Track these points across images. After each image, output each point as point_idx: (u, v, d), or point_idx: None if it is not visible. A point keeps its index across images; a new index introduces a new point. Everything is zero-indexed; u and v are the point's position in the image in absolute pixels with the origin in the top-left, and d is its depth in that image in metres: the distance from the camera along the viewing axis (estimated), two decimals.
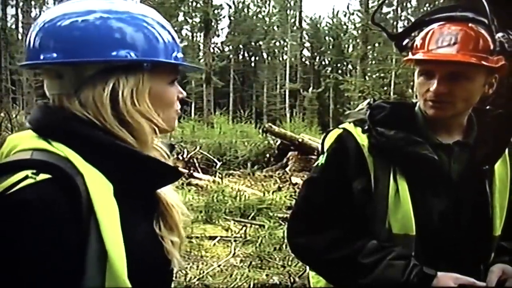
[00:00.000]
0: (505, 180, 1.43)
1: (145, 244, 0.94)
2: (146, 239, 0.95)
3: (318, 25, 50.53)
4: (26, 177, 0.79)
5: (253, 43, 48.68)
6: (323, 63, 50.87)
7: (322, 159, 1.46)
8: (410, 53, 1.40)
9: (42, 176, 0.80)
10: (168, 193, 1.04)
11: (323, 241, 1.39)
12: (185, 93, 1.05)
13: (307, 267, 1.63)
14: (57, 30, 0.90)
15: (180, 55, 1.00)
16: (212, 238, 5.44)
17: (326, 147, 1.47)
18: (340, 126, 1.47)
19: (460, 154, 1.40)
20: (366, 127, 1.40)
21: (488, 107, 1.50)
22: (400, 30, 1.52)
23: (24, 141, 0.88)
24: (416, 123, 1.42)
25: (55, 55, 0.89)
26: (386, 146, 1.36)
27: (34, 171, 0.80)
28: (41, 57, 0.90)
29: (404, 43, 1.44)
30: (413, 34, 1.44)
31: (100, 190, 0.84)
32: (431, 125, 1.41)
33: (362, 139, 1.39)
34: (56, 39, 0.89)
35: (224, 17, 46.91)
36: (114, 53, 0.89)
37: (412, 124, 1.41)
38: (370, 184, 1.36)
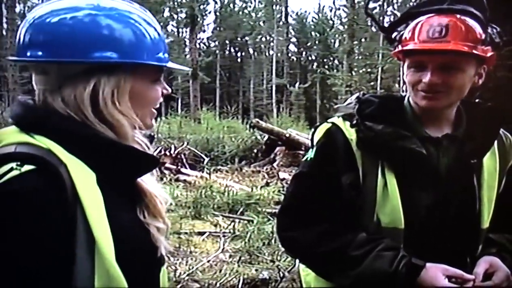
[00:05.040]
0: (494, 173, 1.44)
1: (132, 230, 0.96)
2: (132, 225, 0.97)
3: (304, 20, 50.53)
4: (12, 169, 0.81)
5: (239, 39, 48.50)
6: (310, 58, 50.97)
7: (311, 154, 1.46)
8: (399, 46, 1.39)
9: (27, 167, 0.82)
10: (150, 183, 1.05)
11: (313, 235, 1.39)
12: (169, 89, 1.06)
13: (297, 262, 1.64)
14: (45, 27, 0.90)
15: (165, 55, 1.00)
16: (201, 233, 5.43)
17: (315, 141, 1.46)
18: (329, 120, 1.48)
19: (448, 147, 1.40)
20: (355, 122, 1.40)
21: (477, 100, 1.51)
22: (386, 25, 1.51)
23: (7, 136, 0.90)
24: (404, 117, 1.43)
25: (40, 53, 0.90)
26: (374, 141, 1.36)
27: (19, 162, 0.82)
28: (28, 53, 0.91)
29: (393, 36, 1.44)
30: (399, 28, 1.43)
31: (83, 178, 0.86)
32: (420, 118, 1.41)
33: (351, 133, 1.39)
34: (43, 36, 0.90)
35: (210, 12, 46.49)
36: (97, 54, 0.90)
37: (400, 118, 1.42)
38: (358, 178, 1.36)
